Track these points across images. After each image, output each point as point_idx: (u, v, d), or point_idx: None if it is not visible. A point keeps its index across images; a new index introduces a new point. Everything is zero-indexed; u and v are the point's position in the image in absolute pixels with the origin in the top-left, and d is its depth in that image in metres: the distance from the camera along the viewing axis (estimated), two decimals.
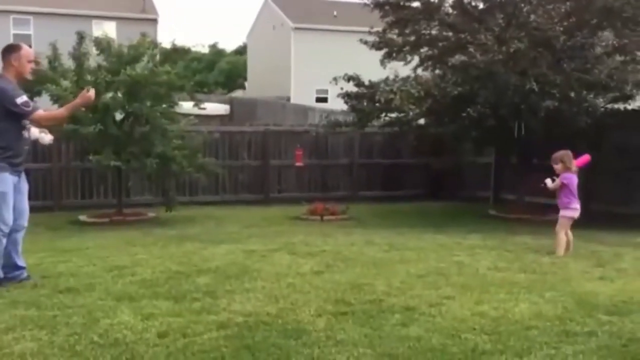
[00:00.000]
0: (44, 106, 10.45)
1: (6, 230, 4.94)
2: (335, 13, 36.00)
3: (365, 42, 12.04)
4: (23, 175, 5.19)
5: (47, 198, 11.99)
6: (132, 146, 9.98)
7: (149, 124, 10.11)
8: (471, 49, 9.68)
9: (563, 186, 6.75)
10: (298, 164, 13.15)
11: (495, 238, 8.12)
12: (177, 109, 11.25)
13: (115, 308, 4.33)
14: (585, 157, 7.03)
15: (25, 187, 5.20)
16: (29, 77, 5.20)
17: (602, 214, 10.71)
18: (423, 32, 11.12)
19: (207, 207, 12.21)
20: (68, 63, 10.37)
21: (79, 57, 10.18)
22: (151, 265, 5.92)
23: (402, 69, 11.71)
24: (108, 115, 9.91)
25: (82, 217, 10.40)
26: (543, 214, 11.22)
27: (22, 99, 4.91)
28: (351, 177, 14.20)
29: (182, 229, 9.52)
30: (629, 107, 10.85)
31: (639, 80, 10.05)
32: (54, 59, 10.23)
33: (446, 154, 13.46)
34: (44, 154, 11.89)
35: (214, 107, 25.96)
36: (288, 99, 32.59)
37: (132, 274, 5.49)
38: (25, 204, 5.17)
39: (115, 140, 9.83)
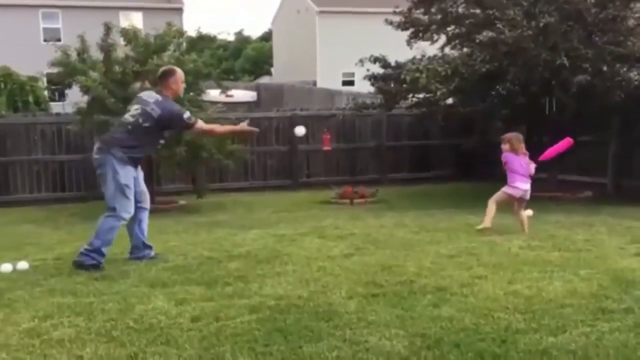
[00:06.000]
0: (75, 98, 10.79)
1: (128, 217, 5.48)
2: None
3: (391, 23, 11.87)
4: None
5: (80, 189, 12.23)
6: None
7: None
8: (500, 25, 9.48)
9: (505, 164, 7.17)
10: (326, 148, 13.11)
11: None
12: (205, 97, 11.30)
13: (150, 294, 4.40)
14: (562, 145, 7.14)
15: (140, 174, 5.74)
16: (182, 95, 6.02)
17: (637, 189, 10.48)
18: (449, 10, 10.90)
19: (236, 193, 12.29)
20: (96, 54, 10.48)
21: (106, 48, 10.28)
22: (183, 251, 6.01)
23: (429, 48, 11.55)
24: None
25: None
26: (576, 191, 11.05)
27: (187, 114, 5.63)
28: (379, 159, 14.12)
29: (213, 215, 9.61)
30: None
31: None
32: (82, 51, 10.34)
33: (476, 134, 13.27)
34: (77, 146, 12.10)
35: (241, 94, 26.02)
36: (314, 83, 32.48)
37: (165, 260, 5.57)
38: (143, 186, 5.74)
39: None
